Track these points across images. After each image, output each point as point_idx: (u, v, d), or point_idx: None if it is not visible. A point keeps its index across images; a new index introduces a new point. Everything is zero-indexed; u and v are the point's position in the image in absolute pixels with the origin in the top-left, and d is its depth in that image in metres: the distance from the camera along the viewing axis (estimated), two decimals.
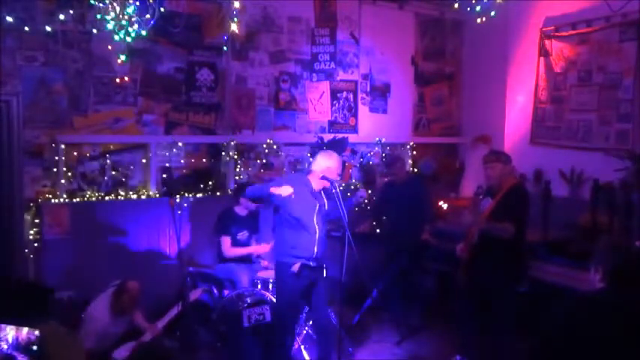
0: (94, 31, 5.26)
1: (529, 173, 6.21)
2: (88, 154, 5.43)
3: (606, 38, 5.72)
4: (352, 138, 6.80)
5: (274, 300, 4.77)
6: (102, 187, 5.47)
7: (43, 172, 5.21)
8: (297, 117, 6.60)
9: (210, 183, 5.96)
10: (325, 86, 6.75)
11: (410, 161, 7.11)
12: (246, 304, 4.56)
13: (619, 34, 5.60)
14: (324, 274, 4.27)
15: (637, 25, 5.39)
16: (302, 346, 4.79)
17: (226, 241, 5.26)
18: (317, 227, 4.25)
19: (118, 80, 5.49)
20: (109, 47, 5.21)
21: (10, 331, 3.01)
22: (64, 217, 5.15)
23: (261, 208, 5.26)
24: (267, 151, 6.28)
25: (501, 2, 5.83)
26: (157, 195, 5.62)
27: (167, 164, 5.77)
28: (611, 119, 5.67)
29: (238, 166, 6.09)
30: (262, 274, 5.11)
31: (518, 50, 6.75)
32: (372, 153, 6.96)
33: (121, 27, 4.87)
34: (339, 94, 6.86)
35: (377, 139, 6.96)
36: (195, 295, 5.00)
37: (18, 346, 3.00)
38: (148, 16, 5.00)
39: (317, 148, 6.35)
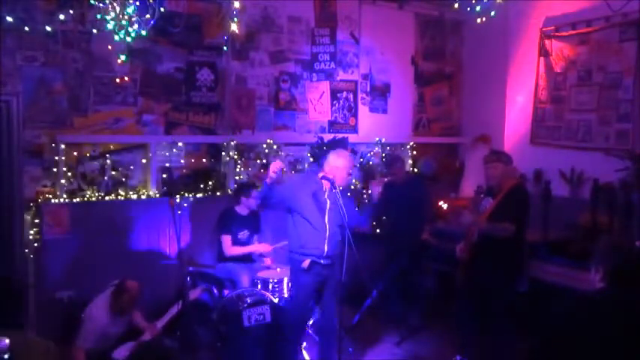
0: (94, 31, 5.26)
1: (529, 173, 6.21)
2: (88, 154, 5.43)
3: (606, 38, 5.72)
4: (352, 138, 6.80)
5: (275, 300, 4.78)
6: (102, 187, 5.47)
7: (43, 172, 5.21)
8: (297, 117, 6.60)
9: (210, 183, 5.95)
10: (325, 86, 6.75)
11: (410, 161, 7.11)
12: (246, 304, 4.56)
13: (619, 34, 5.60)
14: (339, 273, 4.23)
15: (637, 25, 5.39)
16: (302, 345, 4.78)
17: (227, 239, 5.27)
18: (327, 226, 4.26)
19: (118, 80, 5.49)
20: (109, 47, 5.21)
21: None
22: (64, 217, 5.15)
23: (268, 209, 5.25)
24: (267, 151, 6.28)
25: (501, 2, 5.84)
26: (157, 195, 5.62)
27: (167, 164, 5.77)
28: (611, 119, 5.67)
29: (238, 166, 6.09)
30: (262, 274, 5.11)
31: (518, 50, 6.75)
32: (372, 153, 6.96)
33: (121, 27, 4.87)
34: (339, 94, 6.86)
35: (377, 139, 6.96)
36: (194, 294, 5.00)
37: None
38: (148, 16, 4.99)
39: (317, 148, 6.36)
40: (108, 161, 5.50)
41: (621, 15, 5.50)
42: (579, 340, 2.44)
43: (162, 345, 4.63)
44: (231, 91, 6.13)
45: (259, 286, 4.95)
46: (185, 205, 5.65)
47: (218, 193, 5.93)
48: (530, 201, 4.63)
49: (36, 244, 5.07)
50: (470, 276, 4.58)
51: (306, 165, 6.50)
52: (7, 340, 2.89)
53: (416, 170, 7.10)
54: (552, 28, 6.26)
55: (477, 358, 4.65)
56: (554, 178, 5.92)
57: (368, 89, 7.08)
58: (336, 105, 6.85)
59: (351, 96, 6.94)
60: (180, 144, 5.82)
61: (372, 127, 7.05)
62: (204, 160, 6.02)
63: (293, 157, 6.50)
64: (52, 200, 5.16)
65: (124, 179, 5.59)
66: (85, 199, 5.34)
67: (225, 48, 6.03)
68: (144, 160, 5.67)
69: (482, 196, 4.54)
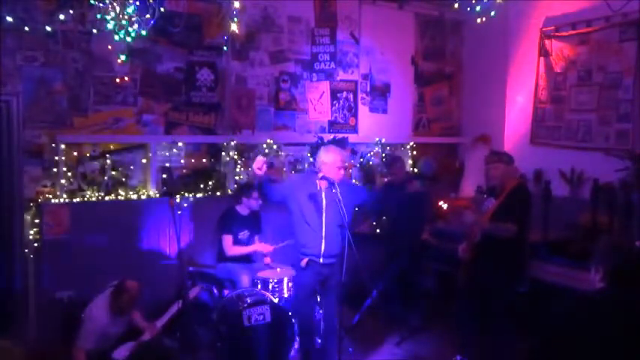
0: (94, 31, 5.25)
1: (529, 173, 6.20)
2: (88, 154, 5.43)
3: (606, 38, 5.72)
4: (352, 138, 6.80)
5: (275, 300, 4.79)
6: (102, 187, 5.47)
7: (43, 172, 5.21)
8: (297, 117, 6.60)
9: (210, 183, 5.95)
10: (325, 86, 6.75)
11: (410, 161, 7.11)
12: (246, 304, 4.56)
13: (619, 34, 5.60)
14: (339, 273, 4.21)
15: (637, 25, 5.39)
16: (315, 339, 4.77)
17: (228, 239, 5.27)
18: (324, 226, 4.27)
19: (118, 80, 5.48)
20: (109, 47, 5.22)
21: None
22: (64, 217, 5.14)
23: (269, 207, 5.27)
24: (267, 151, 6.28)
25: (501, 2, 5.84)
26: (157, 195, 5.62)
27: (167, 164, 5.76)
28: (611, 119, 5.67)
29: (238, 166, 6.08)
30: (262, 274, 5.11)
31: (518, 50, 6.75)
32: (372, 153, 6.96)
33: (121, 27, 4.87)
34: (339, 94, 6.86)
35: (377, 139, 6.95)
36: (194, 292, 5.00)
37: None
38: (148, 16, 5.00)
39: (317, 148, 6.35)
40: (108, 161, 5.49)
41: (621, 15, 5.50)
42: (579, 340, 2.44)
43: (162, 345, 4.63)
44: (231, 91, 6.13)
45: (259, 286, 4.95)
46: (185, 205, 5.65)
47: (218, 193, 5.92)
48: (532, 201, 4.63)
49: (36, 244, 5.07)
50: (471, 276, 4.58)
51: (306, 165, 6.50)
52: None
53: (416, 170, 7.10)
54: (552, 28, 6.26)
55: (477, 358, 4.65)
56: (554, 178, 5.92)
57: (368, 89, 7.08)
58: (336, 105, 6.84)
59: (351, 96, 6.94)
60: (180, 144, 5.82)
61: (372, 127, 7.05)
62: (204, 160, 6.02)
63: (293, 157, 6.50)
64: (52, 200, 5.16)
65: (124, 179, 5.59)
66: (85, 199, 5.34)
67: (225, 48, 6.03)
68: (144, 160, 5.67)
69: (484, 196, 4.54)
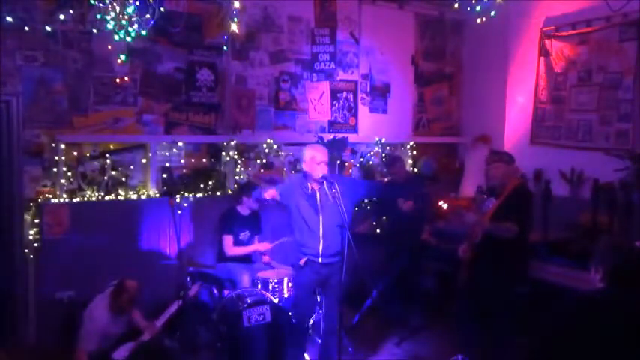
0: (94, 31, 5.25)
1: (529, 173, 6.20)
2: (88, 154, 5.42)
3: (606, 38, 5.72)
4: (352, 138, 6.80)
5: (275, 300, 4.79)
6: (102, 187, 5.47)
7: (43, 172, 5.21)
8: (297, 117, 6.60)
9: (210, 183, 5.95)
10: (325, 86, 6.74)
11: (410, 161, 7.11)
12: (246, 304, 4.56)
13: (619, 34, 5.60)
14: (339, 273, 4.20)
15: (637, 25, 5.39)
16: (305, 347, 4.78)
17: (228, 239, 5.28)
18: (321, 225, 4.28)
19: (118, 80, 5.48)
20: (109, 47, 5.22)
21: None
22: (64, 217, 5.14)
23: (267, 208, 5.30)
24: (267, 151, 6.28)
25: (501, 2, 5.83)
26: (157, 195, 5.62)
27: (167, 164, 5.77)
28: (611, 119, 5.67)
29: (238, 166, 6.08)
30: (262, 274, 5.11)
31: (518, 50, 6.75)
32: (372, 153, 6.96)
33: (121, 27, 4.87)
34: (339, 94, 6.86)
35: (377, 139, 6.95)
36: (194, 290, 4.99)
37: None
38: (148, 16, 4.99)
39: None
40: (108, 161, 5.49)
41: (621, 15, 5.50)
42: (579, 339, 2.44)
43: (162, 345, 4.62)
44: (231, 91, 6.13)
45: (259, 286, 4.95)
46: (185, 205, 5.65)
47: (218, 193, 5.92)
48: (532, 201, 4.63)
49: (36, 244, 5.07)
50: (471, 276, 4.58)
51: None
52: None
53: (416, 170, 7.10)
54: (552, 28, 6.26)
55: (478, 358, 4.65)
56: (554, 178, 5.92)
57: (368, 89, 7.08)
58: (336, 105, 6.84)
59: (351, 96, 6.94)
60: (180, 144, 5.82)
61: (372, 127, 7.05)
62: (204, 160, 6.02)
63: (293, 157, 6.49)
64: (52, 200, 5.15)
65: (124, 179, 5.58)
66: (85, 199, 5.34)
67: (225, 48, 6.03)
68: (144, 160, 5.67)
69: (484, 196, 4.53)
